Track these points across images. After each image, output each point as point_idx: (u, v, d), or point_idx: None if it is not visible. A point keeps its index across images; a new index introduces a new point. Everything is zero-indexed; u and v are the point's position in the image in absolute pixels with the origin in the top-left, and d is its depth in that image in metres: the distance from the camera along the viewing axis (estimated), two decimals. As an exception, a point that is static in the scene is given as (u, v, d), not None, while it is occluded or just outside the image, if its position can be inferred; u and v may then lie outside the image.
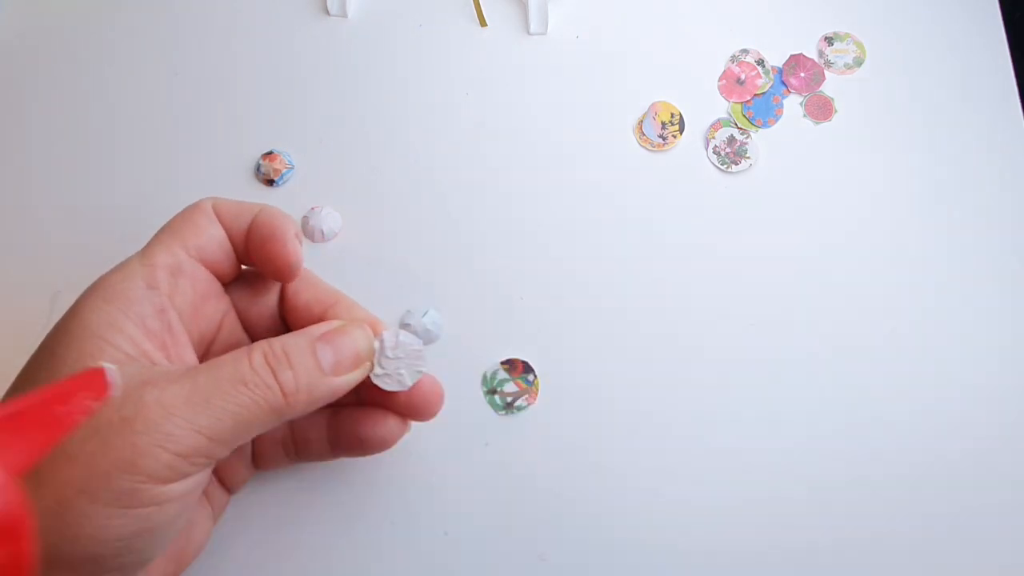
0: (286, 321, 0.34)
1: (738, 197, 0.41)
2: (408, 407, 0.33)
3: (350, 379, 0.29)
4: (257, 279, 0.34)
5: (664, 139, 0.42)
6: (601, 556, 0.36)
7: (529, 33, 0.44)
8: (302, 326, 0.30)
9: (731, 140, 0.41)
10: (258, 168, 0.41)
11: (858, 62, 0.43)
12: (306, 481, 0.36)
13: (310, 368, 0.28)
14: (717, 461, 0.37)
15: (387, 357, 0.31)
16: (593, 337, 0.39)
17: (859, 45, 0.43)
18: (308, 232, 0.40)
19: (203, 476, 0.27)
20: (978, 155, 0.41)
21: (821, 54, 0.43)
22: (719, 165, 0.41)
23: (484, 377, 0.38)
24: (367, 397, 0.32)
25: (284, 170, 0.41)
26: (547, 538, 0.36)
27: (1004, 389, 0.38)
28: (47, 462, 0.24)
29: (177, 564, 0.30)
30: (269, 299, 0.33)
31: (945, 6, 0.44)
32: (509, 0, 0.44)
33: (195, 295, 0.30)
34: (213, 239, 0.31)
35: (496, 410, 0.38)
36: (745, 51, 0.43)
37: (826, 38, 0.43)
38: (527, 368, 0.38)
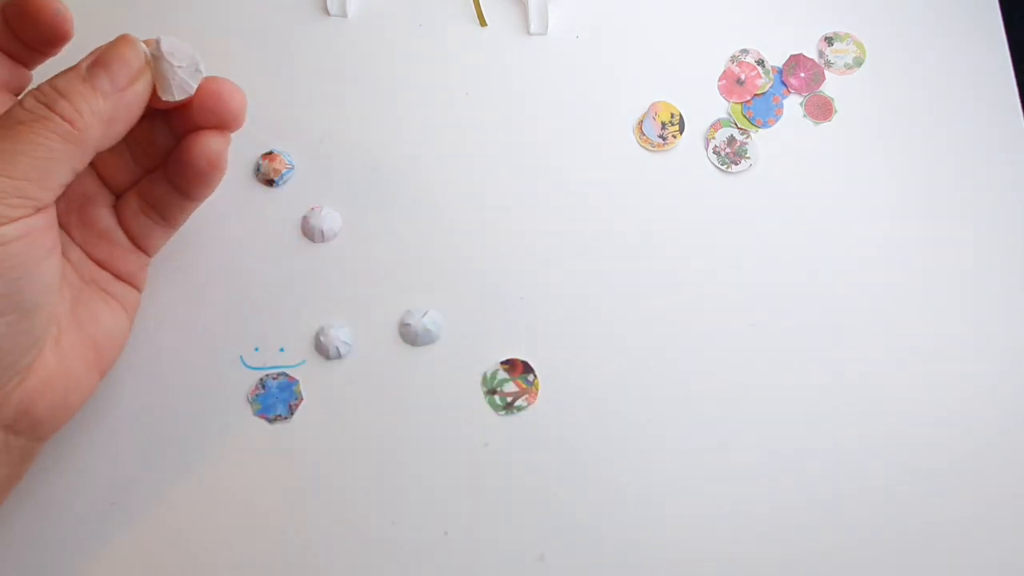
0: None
1: (738, 197, 0.41)
2: (210, 112, 0.33)
3: (134, 93, 0.30)
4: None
5: (664, 139, 0.42)
6: (601, 556, 0.36)
7: (529, 33, 0.44)
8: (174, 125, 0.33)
9: (731, 140, 0.41)
10: (258, 168, 0.41)
11: (858, 62, 0.43)
12: (305, 480, 0.36)
13: (86, 93, 0.28)
14: (717, 461, 0.37)
15: (159, 60, 0.31)
16: (593, 337, 0.39)
17: (859, 45, 0.43)
18: (308, 232, 0.40)
19: (34, 221, 0.28)
20: (978, 155, 0.41)
21: (821, 54, 0.43)
22: (719, 165, 0.41)
23: (484, 377, 0.38)
24: (176, 125, 0.34)
25: (284, 170, 0.41)
26: (547, 538, 0.36)
27: (1007, 387, 0.38)
28: None
29: (96, 352, 0.33)
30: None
31: (945, 6, 0.44)
32: (509, 0, 0.44)
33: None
34: None
35: (496, 410, 0.38)
36: (745, 51, 0.43)
37: (826, 38, 0.43)
38: (527, 368, 0.38)
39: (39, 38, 0.32)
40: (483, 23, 0.44)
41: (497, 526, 0.36)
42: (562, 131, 0.42)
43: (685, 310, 0.39)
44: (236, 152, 0.42)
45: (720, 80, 0.43)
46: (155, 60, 0.31)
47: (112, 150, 0.32)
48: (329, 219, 0.40)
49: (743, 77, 0.42)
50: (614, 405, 0.38)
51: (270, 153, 0.41)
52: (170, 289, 0.39)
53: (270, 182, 0.41)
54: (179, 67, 0.31)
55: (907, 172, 0.41)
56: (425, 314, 0.38)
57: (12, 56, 0.32)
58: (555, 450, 0.37)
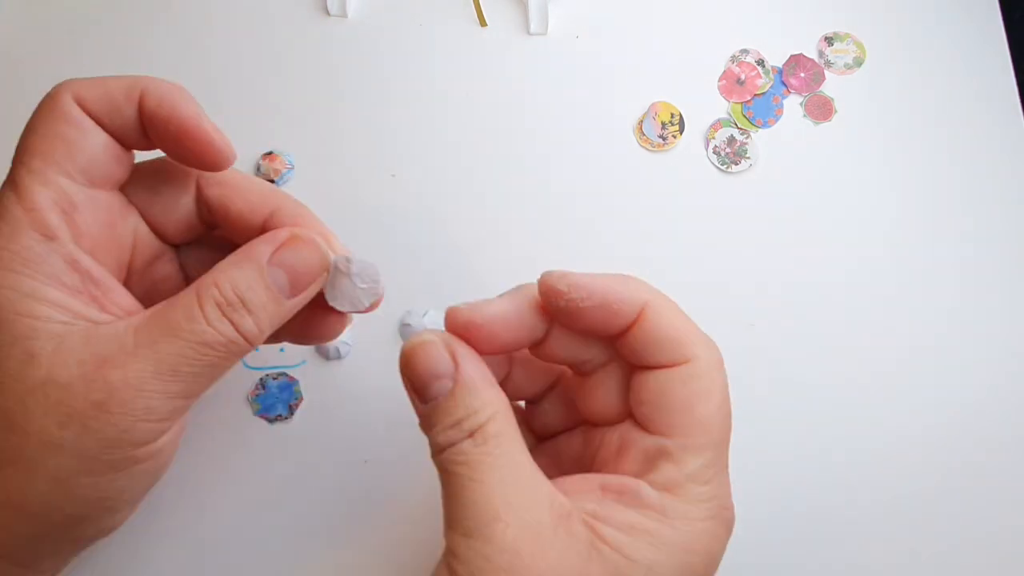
0: (211, 222, 0.31)
1: (738, 197, 0.41)
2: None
3: (305, 297, 0.28)
4: (159, 173, 0.30)
5: (664, 139, 0.42)
6: (601, 556, 0.36)
7: (529, 33, 0.44)
8: (238, 237, 0.28)
9: (731, 140, 0.41)
10: (258, 168, 0.41)
11: (858, 62, 0.43)
12: (306, 479, 0.36)
13: (268, 306, 0.26)
14: (717, 461, 0.37)
15: (341, 273, 0.29)
16: (593, 337, 0.39)
17: (859, 45, 0.43)
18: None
19: (179, 425, 0.27)
20: (978, 155, 0.41)
21: (821, 54, 0.43)
22: (719, 165, 0.41)
23: (484, 377, 0.38)
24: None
25: (284, 170, 0.41)
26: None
27: (1007, 386, 0.38)
28: (29, 455, 0.24)
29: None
30: (181, 197, 0.30)
31: (945, 6, 0.44)
32: (509, 0, 0.44)
33: (100, 227, 0.27)
34: (95, 151, 0.27)
35: (496, 410, 0.37)
36: (745, 51, 0.43)
37: (826, 38, 0.43)
38: (527, 368, 0.38)
39: (183, 158, 0.29)
40: (483, 23, 0.44)
41: (497, 526, 0.36)
42: (562, 131, 0.42)
43: (684, 309, 0.39)
44: (236, 152, 0.42)
45: (720, 80, 0.43)
46: (336, 271, 0.29)
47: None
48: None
49: (743, 77, 0.42)
50: (614, 405, 0.38)
51: (270, 153, 0.41)
52: (170, 289, 0.39)
53: (270, 182, 0.41)
54: (361, 287, 0.29)
55: (907, 172, 0.41)
56: (425, 314, 0.38)
57: (135, 146, 0.29)
58: (555, 450, 0.37)
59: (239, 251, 0.27)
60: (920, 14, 0.44)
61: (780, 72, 0.43)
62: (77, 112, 0.27)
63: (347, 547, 0.36)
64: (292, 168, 0.41)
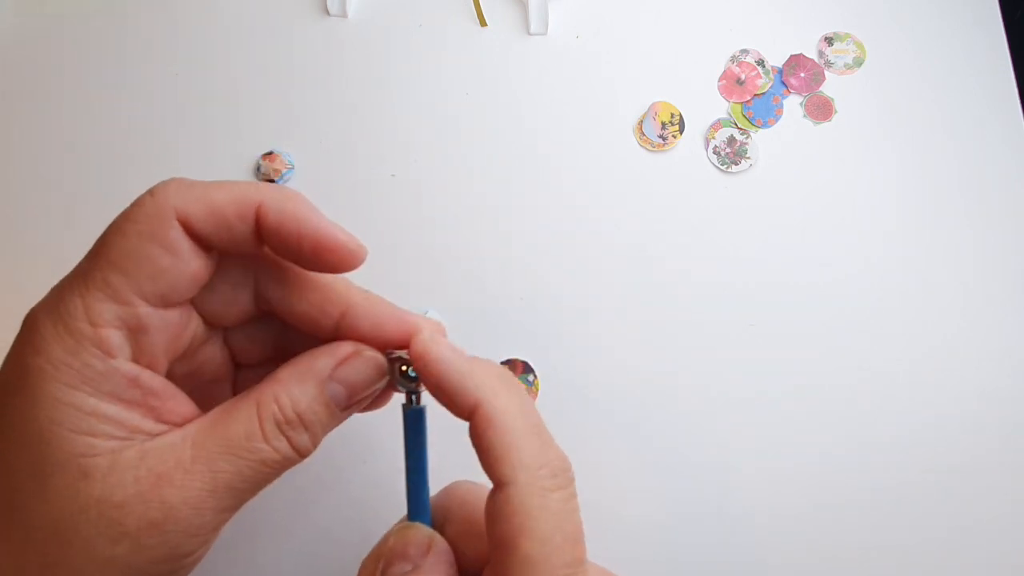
0: (268, 311, 0.29)
1: (738, 197, 0.41)
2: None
3: (359, 406, 0.28)
4: (217, 271, 0.27)
5: (664, 139, 0.42)
6: (601, 556, 0.36)
7: (529, 33, 0.44)
8: (301, 328, 0.27)
9: (731, 140, 0.41)
10: (258, 168, 0.41)
11: (858, 62, 0.43)
12: (308, 482, 0.36)
13: (324, 421, 0.26)
14: (717, 460, 0.37)
15: (409, 381, 0.27)
16: (593, 337, 0.39)
17: (859, 45, 0.43)
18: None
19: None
20: (978, 155, 0.41)
21: (821, 54, 0.43)
22: (719, 165, 0.41)
23: (484, 377, 0.38)
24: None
25: (284, 170, 0.41)
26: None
27: (1008, 386, 0.38)
28: (78, 568, 0.24)
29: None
30: (240, 295, 0.28)
31: (945, 6, 0.44)
32: (509, 0, 0.44)
33: (165, 344, 0.26)
34: (184, 278, 0.25)
35: (496, 410, 0.37)
36: (745, 51, 0.43)
37: (826, 38, 0.43)
38: (527, 368, 0.38)
39: (321, 267, 0.27)
40: (483, 23, 0.44)
41: (497, 526, 0.36)
42: (562, 131, 0.42)
43: (685, 310, 0.39)
44: (236, 152, 0.42)
45: (720, 80, 0.43)
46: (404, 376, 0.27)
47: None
48: None
49: (743, 77, 0.42)
50: (614, 405, 0.38)
51: (270, 153, 0.41)
52: (170, 289, 0.39)
53: (270, 182, 0.41)
54: (424, 390, 0.27)
55: (907, 172, 0.41)
56: (425, 314, 0.38)
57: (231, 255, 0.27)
58: (555, 450, 0.37)
59: (301, 362, 0.26)
60: (920, 14, 0.44)
61: (780, 72, 0.43)
62: (178, 236, 0.24)
63: (354, 551, 0.36)
64: (292, 168, 0.41)
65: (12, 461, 0.24)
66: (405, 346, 0.27)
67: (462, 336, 0.39)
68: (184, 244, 0.24)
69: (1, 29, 0.44)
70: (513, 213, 0.41)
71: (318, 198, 0.41)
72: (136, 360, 0.25)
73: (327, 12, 0.44)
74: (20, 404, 0.23)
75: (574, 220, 0.40)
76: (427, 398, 0.27)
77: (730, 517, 0.36)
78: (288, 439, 0.25)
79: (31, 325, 0.25)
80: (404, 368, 0.27)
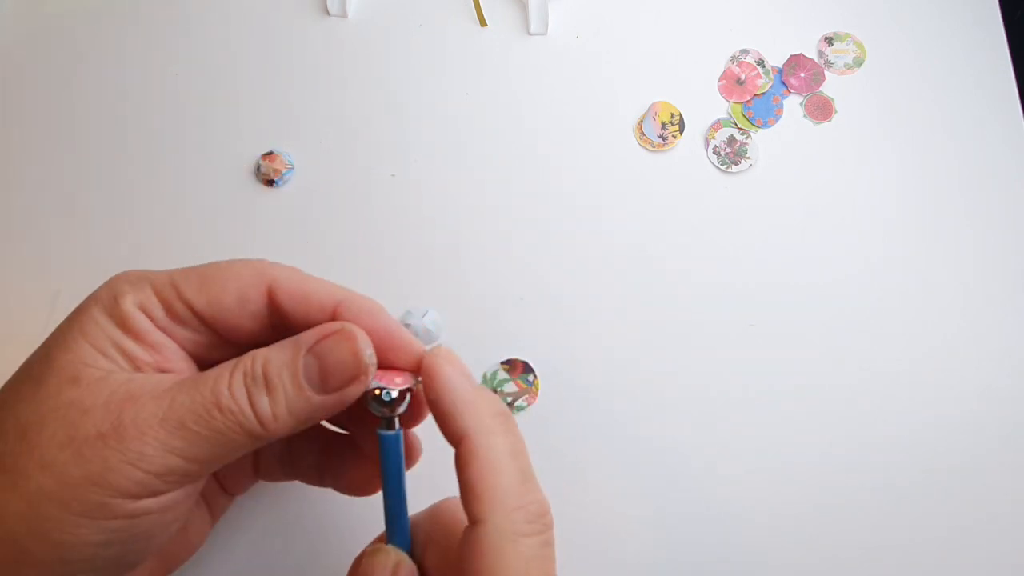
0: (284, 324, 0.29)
1: (738, 197, 0.41)
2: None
3: (342, 397, 0.26)
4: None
5: (664, 139, 0.42)
6: (601, 556, 0.36)
7: (529, 33, 0.44)
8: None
9: (731, 140, 0.41)
10: (258, 168, 0.41)
11: (858, 62, 0.43)
12: (295, 493, 0.36)
13: (289, 391, 0.25)
14: (717, 461, 0.37)
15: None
16: (593, 337, 0.39)
17: (859, 45, 0.43)
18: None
19: (183, 492, 0.26)
20: (978, 155, 0.41)
21: (821, 54, 0.43)
22: (719, 165, 0.41)
23: (484, 377, 0.38)
24: (358, 434, 0.31)
25: (284, 170, 0.41)
26: (547, 538, 0.36)
27: (1008, 386, 0.38)
28: (22, 466, 0.24)
29: (167, 564, 0.30)
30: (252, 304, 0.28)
31: (945, 6, 0.44)
32: (509, 0, 0.44)
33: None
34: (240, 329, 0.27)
35: (496, 410, 0.37)
36: (745, 51, 0.43)
37: (826, 38, 0.43)
38: (527, 368, 0.38)
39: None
40: (483, 23, 0.44)
41: (497, 526, 0.36)
42: (562, 131, 0.42)
43: (685, 310, 0.39)
44: (236, 152, 0.42)
45: (720, 80, 0.43)
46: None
47: None
48: None
49: (743, 77, 0.42)
50: (614, 405, 0.38)
51: (270, 153, 0.41)
52: (170, 289, 0.39)
53: (270, 182, 0.41)
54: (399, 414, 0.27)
55: (907, 172, 0.41)
56: (425, 314, 0.38)
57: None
58: (555, 450, 0.37)
59: (292, 336, 0.27)
60: (920, 14, 0.44)
61: (780, 72, 0.43)
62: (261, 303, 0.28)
63: (347, 549, 0.36)
64: (292, 168, 0.41)
65: (32, 364, 0.26)
66: (411, 368, 0.27)
67: (462, 336, 0.39)
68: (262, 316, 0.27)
69: (1, 29, 0.44)
70: (513, 213, 0.41)
71: (318, 198, 0.41)
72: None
73: (327, 12, 0.44)
74: (71, 318, 0.26)
75: (574, 220, 0.40)
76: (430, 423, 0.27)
77: (730, 517, 0.36)
78: (249, 395, 0.25)
79: (119, 273, 0.28)
80: (377, 392, 0.26)
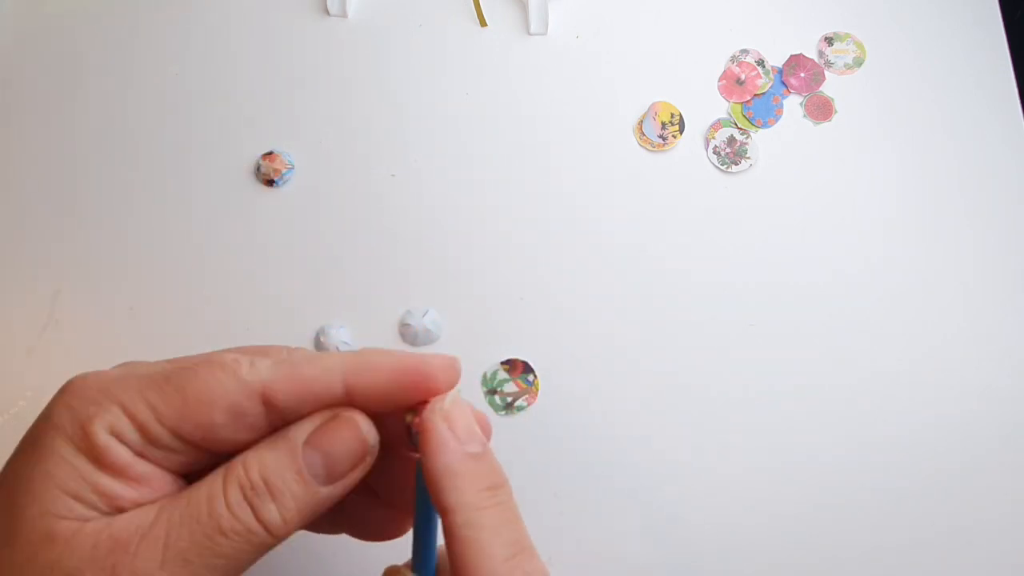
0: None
1: (738, 197, 0.41)
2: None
3: (345, 485, 0.24)
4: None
5: (664, 139, 0.42)
6: (602, 556, 0.36)
7: (529, 33, 0.44)
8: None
9: (731, 140, 0.41)
10: (258, 168, 0.41)
11: (858, 62, 0.43)
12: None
13: (296, 493, 0.23)
14: (717, 461, 0.37)
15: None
16: (593, 337, 0.39)
17: (859, 45, 0.43)
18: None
19: None
20: (978, 155, 0.41)
21: (821, 54, 0.43)
22: (719, 165, 0.41)
23: (484, 377, 0.38)
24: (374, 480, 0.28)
25: (284, 170, 0.41)
26: (547, 539, 0.36)
27: (1008, 386, 0.38)
28: None
29: None
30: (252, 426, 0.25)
31: (945, 6, 0.44)
32: (509, 0, 0.44)
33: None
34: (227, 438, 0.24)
35: (496, 410, 0.38)
36: (745, 51, 0.43)
37: (826, 38, 0.43)
38: (527, 368, 0.38)
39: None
40: (483, 23, 0.44)
41: (497, 526, 0.36)
42: (562, 131, 0.42)
43: (685, 310, 0.39)
44: (236, 152, 0.42)
45: (720, 80, 0.43)
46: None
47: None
48: None
49: (743, 77, 0.42)
50: (614, 405, 0.38)
51: (270, 153, 0.41)
52: (170, 290, 0.39)
53: (270, 182, 0.41)
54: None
55: (907, 172, 0.41)
56: (425, 314, 0.38)
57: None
58: (555, 450, 0.37)
59: (278, 433, 0.24)
60: (920, 14, 0.44)
61: (780, 72, 0.43)
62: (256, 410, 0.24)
63: (347, 549, 0.36)
64: (292, 168, 0.41)
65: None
66: (424, 399, 0.25)
67: (462, 336, 0.39)
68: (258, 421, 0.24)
69: (1, 29, 0.44)
70: (513, 213, 0.41)
71: (318, 198, 0.41)
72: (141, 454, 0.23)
73: (327, 12, 0.44)
74: (28, 453, 0.23)
75: (574, 220, 0.40)
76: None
77: (730, 516, 0.36)
78: (253, 508, 0.23)
79: (69, 384, 0.24)
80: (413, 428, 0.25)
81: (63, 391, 0.23)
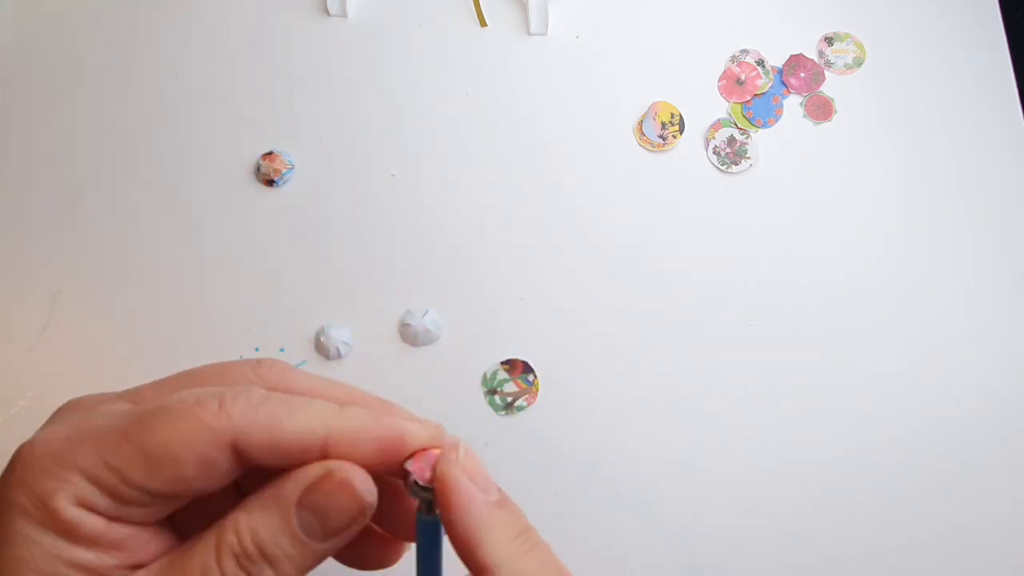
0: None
1: (738, 197, 0.41)
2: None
3: (342, 540, 0.23)
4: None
5: (664, 139, 0.42)
6: (602, 556, 0.36)
7: (529, 33, 0.44)
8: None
9: (731, 140, 0.41)
10: (258, 168, 0.41)
11: (858, 62, 0.43)
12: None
13: (293, 555, 0.22)
14: (717, 461, 0.37)
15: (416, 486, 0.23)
16: (593, 337, 0.39)
17: (859, 45, 0.43)
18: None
19: None
20: (978, 155, 0.41)
21: (821, 54, 0.43)
22: (719, 165, 0.41)
23: (484, 377, 0.38)
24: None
25: (284, 170, 0.41)
26: (547, 539, 0.36)
27: (1008, 386, 0.38)
28: None
29: None
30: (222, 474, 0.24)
31: (945, 6, 0.44)
32: (509, 0, 0.44)
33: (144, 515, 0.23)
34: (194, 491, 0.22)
35: (496, 410, 0.38)
36: (745, 51, 0.43)
37: (826, 38, 0.43)
38: (527, 368, 0.38)
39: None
40: (483, 23, 0.44)
41: (497, 526, 0.36)
42: (562, 131, 0.42)
43: (685, 310, 0.39)
44: (236, 152, 0.42)
45: (720, 80, 0.43)
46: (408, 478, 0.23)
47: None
48: None
49: (743, 77, 0.42)
50: (614, 405, 0.38)
51: (270, 153, 0.41)
52: (170, 291, 0.39)
53: (270, 182, 0.41)
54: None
55: (907, 172, 0.41)
56: (425, 314, 0.38)
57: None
58: (555, 450, 0.37)
59: (267, 488, 0.23)
60: (920, 14, 0.44)
61: (780, 72, 0.43)
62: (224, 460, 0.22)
63: None
64: (292, 168, 0.41)
65: None
66: (401, 458, 0.23)
67: (462, 336, 0.39)
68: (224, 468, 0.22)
69: (1, 29, 0.44)
70: (513, 213, 0.41)
71: (318, 198, 0.41)
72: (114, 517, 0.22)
73: (327, 12, 0.44)
74: None
75: (574, 220, 0.40)
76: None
77: (730, 516, 0.36)
78: (247, 573, 0.22)
79: (18, 456, 0.22)
80: (416, 479, 0.23)
81: (12, 467, 0.21)
